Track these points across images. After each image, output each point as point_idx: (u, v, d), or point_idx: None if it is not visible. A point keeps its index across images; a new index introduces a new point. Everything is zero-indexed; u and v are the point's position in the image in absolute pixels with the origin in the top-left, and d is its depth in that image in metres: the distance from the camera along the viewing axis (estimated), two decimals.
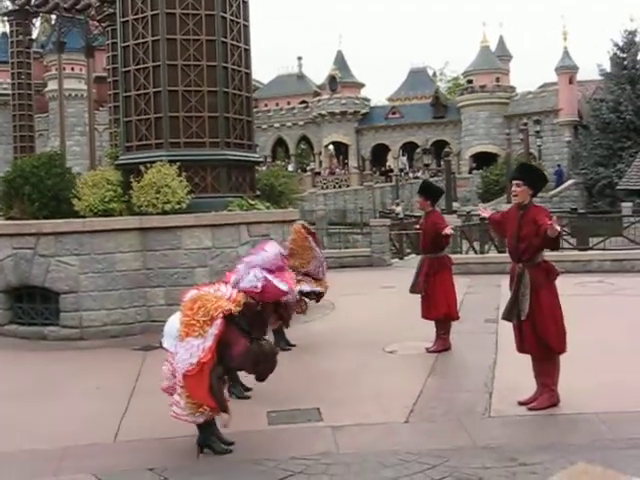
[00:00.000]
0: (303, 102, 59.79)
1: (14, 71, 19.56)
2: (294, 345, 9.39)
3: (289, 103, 60.22)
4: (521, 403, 6.39)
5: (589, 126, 43.08)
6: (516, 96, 50.66)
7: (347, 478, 4.97)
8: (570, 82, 47.60)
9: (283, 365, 8.11)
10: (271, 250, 6.35)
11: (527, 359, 6.47)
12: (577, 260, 16.52)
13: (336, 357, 8.75)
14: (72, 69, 49.91)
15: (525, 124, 41.02)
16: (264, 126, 58.66)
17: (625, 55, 42.59)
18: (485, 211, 7.42)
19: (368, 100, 58.68)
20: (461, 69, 57.94)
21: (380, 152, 57.32)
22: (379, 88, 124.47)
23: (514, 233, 6.34)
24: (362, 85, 60.18)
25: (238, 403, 6.70)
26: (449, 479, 4.86)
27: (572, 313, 10.09)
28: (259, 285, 5.91)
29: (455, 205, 32.19)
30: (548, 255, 6.66)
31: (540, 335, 6.19)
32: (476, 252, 21.48)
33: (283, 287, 6.09)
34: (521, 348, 6.42)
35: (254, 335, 5.52)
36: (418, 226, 10.60)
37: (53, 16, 20.72)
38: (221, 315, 5.26)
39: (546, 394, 6.28)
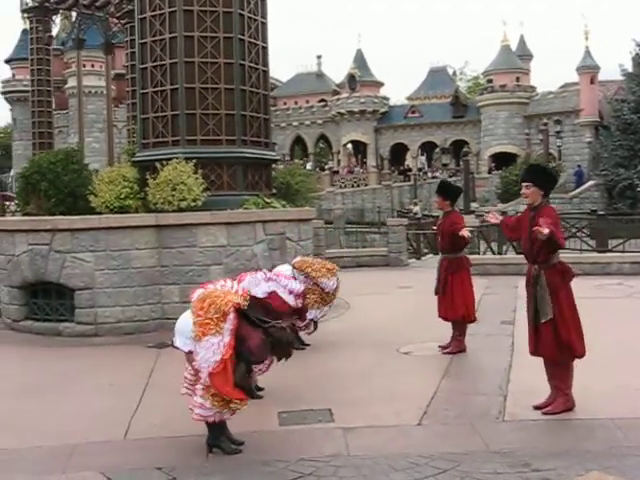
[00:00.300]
0: (322, 101, 59.75)
1: (34, 68, 19.68)
2: (308, 345, 9.33)
3: (308, 102, 60.23)
4: (536, 407, 6.28)
5: (610, 127, 42.66)
6: (536, 96, 50.31)
7: None
8: (591, 82, 47.21)
9: (296, 365, 8.06)
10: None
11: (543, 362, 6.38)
12: (596, 262, 16.34)
13: (350, 357, 8.68)
14: (92, 66, 50.26)
15: (545, 124, 40.77)
16: (283, 124, 58.71)
17: None
18: (494, 217, 7.09)
19: (387, 99, 58.56)
20: (481, 68, 57.72)
21: (399, 151, 57.18)
22: (398, 87, 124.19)
23: (527, 235, 6.25)
24: (381, 84, 60.01)
25: (250, 403, 6.59)
26: None
27: (591, 316, 9.95)
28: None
29: (473, 205, 32.02)
30: (566, 257, 6.56)
31: (563, 338, 6.08)
32: (494, 253, 21.33)
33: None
34: (536, 351, 6.33)
35: (267, 324, 5.48)
36: (435, 227, 10.52)
37: (74, 13, 20.78)
38: (232, 309, 5.24)
39: (561, 398, 6.18)
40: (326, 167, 57.64)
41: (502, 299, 12.09)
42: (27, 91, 23.09)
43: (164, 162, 11.02)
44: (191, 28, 11.22)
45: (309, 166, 53.69)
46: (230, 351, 5.20)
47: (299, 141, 60.57)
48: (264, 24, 12.08)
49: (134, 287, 10.65)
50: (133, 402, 6.89)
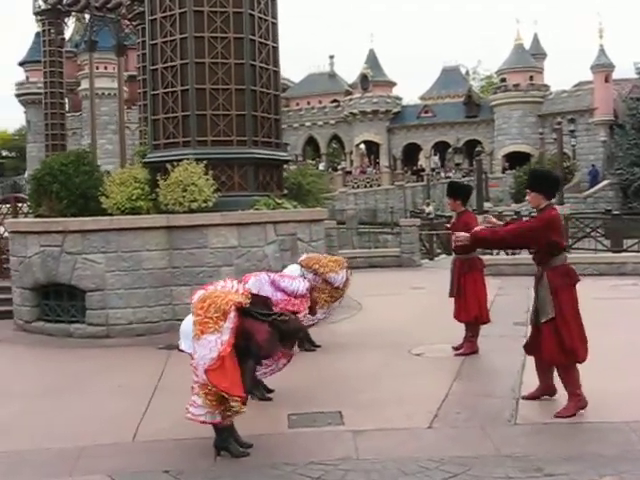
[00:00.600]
0: (334, 101, 59.68)
1: (47, 70, 19.75)
2: (319, 346, 9.29)
3: (320, 102, 60.16)
4: (525, 397, 6.37)
5: (625, 125, 42.34)
6: (550, 95, 50.00)
7: None
8: (606, 80, 46.85)
9: (306, 366, 8.05)
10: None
11: None
12: (611, 262, 16.20)
13: (361, 359, 8.63)
14: (105, 68, 50.39)
15: (559, 123, 40.37)
16: (295, 125, 58.68)
17: None
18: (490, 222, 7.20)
19: (400, 99, 58.39)
20: (494, 67, 57.43)
21: (412, 151, 57.00)
22: (411, 87, 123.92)
23: None
24: (394, 84, 59.83)
25: (259, 405, 6.62)
26: None
27: (604, 316, 9.90)
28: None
29: (487, 205, 31.81)
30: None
31: (565, 341, 6.02)
32: (507, 253, 21.17)
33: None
34: (533, 351, 6.35)
35: (271, 316, 5.47)
36: (449, 225, 10.44)
37: (86, 15, 20.85)
38: (233, 308, 5.23)
39: (572, 402, 6.09)
40: (339, 167, 57.53)
41: (515, 300, 11.98)
42: (40, 93, 23.21)
43: (175, 163, 11.00)
44: (201, 29, 11.21)
45: (322, 166, 53.60)
46: (228, 349, 5.18)
47: (311, 142, 60.51)
48: (274, 24, 12.04)
49: (145, 288, 10.64)
50: (142, 404, 6.87)
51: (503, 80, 51.67)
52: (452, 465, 5.07)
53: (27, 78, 59.57)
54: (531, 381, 6.94)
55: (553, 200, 6.46)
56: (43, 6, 19.05)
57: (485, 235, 6.39)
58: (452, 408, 6.45)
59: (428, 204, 39.51)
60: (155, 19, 11.55)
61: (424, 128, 55.37)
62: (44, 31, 19.30)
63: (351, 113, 56.26)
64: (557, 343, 6.06)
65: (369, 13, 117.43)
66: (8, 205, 15.13)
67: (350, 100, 56.85)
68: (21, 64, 60.11)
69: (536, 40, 57.33)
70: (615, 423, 5.89)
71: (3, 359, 9.61)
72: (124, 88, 23.59)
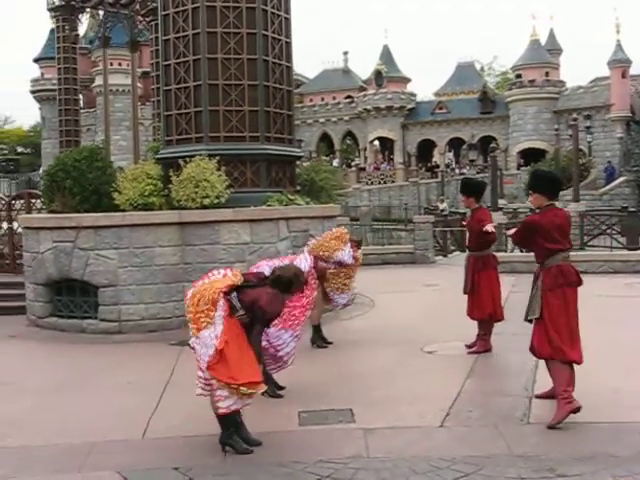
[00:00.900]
0: (349, 97, 59.61)
1: (61, 66, 19.76)
2: (331, 343, 9.25)
3: (334, 98, 60.09)
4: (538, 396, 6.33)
5: None
6: (566, 91, 49.70)
7: None
8: (623, 76, 46.50)
9: (318, 363, 8.03)
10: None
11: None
12: (626, 260, 16.05)
13: (373, 356, 8.58)
14: (119, 64, 50.56)
15: (575, 119, 40.03)
16: (309, 121, 58.68)
17: None
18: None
19: (414, 95, 58.25)
20: (510, 63, 57.13)
21: (426, 148, 56.85)
22: (426, 83, 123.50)
23: None
24: (408, 80, 59.70)
25: (270, 402, 6.59)
26: None
27: (618, 314, 9.80)
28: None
29: (501, 202, 31.64)
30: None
31: (552, 340, 5.98)
32: (521, 250, 21.04)
33: None
34: (531, 348, 6.31)
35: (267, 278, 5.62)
36: (465, 223, 10.39)
37: (101, 12, 20.86)
38: (221, 295, 5.29)
39: (559, 408, 5.89)
40: (353, 164, 57.46)
41: (528, 297, 11.87)
42: (55, 90, 23.24)
43: (187, 159, 10.98)
44: (214, 24, 11.16)
45: (335, 163, 53.56)
46: (223, 341, 5.20)
47: (325, 138, 60.46)
48: (287, 19, 11.98)
49: (157, 284, 10.63)
50: (153, 400, 6.85)
51: (518, 76, 51.43)
52: (464, 464, 5.02)
53: (42, 75, 59.85)
54: (545, 380, 6.85)
55: (556, 200, 6.42)
56: (57, 2, 19.06)
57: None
58: (464, 406, 6.39)
59: (442, 201, 39.38)
60: (168, 14, 11.52)
61: (438, 124, 55.21)
62: (58, 27, 19.29)
63: (365, 109, 56.15)
64: (544, 338, 6.05)
65: (384, 9, 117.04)
66: (22, 201, 15.18)
67: (364, 96, 56.76)
68: (36, 61, 60.39)
69: (552, 36, 57.00)
70: (629, 423, 5.82)
71: (16, 355, 9.63)
72: (138, 84, 23.62)
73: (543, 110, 49.27)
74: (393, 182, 52.39)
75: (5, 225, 14.86)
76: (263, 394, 6.61)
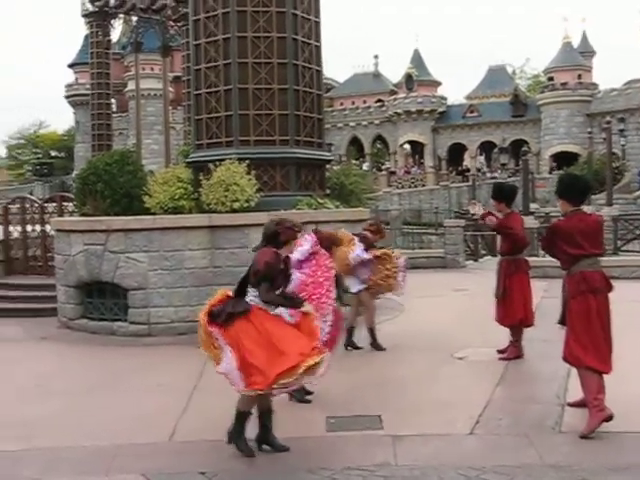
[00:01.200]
0: (379, 101, 59.53)
1: (94, 71, 20.02)
2: (361, 347, 9.19)
3: (365, 102, 60.08)
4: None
5: None
6: (599, 93, 49.12)
7: None
8: None
9: (346, 369, 7.96)
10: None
11: None
12: None
13: (402, 362, 8.50)
14: (151, 69, 51.05)
15: (608, 122, 39.57)
16: (339, 125, 58.71)
17: None
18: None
19: (445, 98, 57.99)
20: (542, 66, 56.62)
21: (457, 151, 56.53)
22: (457, 86, 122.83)
23: None
24: (439, 83, 59.44)
25: (297, 407, 6.56)
26: None
27: None
28: None
29: (533, 206, 31.35)
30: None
31: (571, 346, 5.91)
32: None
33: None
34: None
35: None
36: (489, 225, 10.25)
37: (133, 17, 21.09)
38: (205, 321, 5.55)
39: (591, 417, 5.77)
40: (383, 167, 57.33)
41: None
42: (88, 95, 23.53)
43: (217, 163, 11.00)
44: (244, 28, 11.19)
45: (366, 167, 53.49)
46: (240, 358, 5.24)
47: (355, 142, 60.43)
48: (317, 23, 11.98)
49: (187, 287, 10.66)
50: (181, 403, 6.86)
51: (551, 79, 50.95)
52: (493, 474, 4.93)
53: (76, 80, 60.69)
54: (577, 387, 6.73)
55: (584, 206, 6.32)
56: (91, 9, 19.31)
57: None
58: (494, 414, 6.29)
59: (474, 204, 39.09)
60: (198, 19, 11.58)
61: (469, 128, 54.89)
62: (92, 33, 19.57)
63: (396, 113, 56.02)
64: (570, 345, 6.00)
65: (414, 12, 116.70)
66: (54, 204, 15.34)
67: (395, 100, 56.64)
68: (70, 66, 61.26)
69: (585, 38, 56.44)
70: None
71: (47, 356, 9.72)
72: (170, 89, 23.83)
73: (576, 113, 48.73)
74: (424, 186, 52.17)
75: (38, 228, 15.04)
76: (291, 399, 6.61)
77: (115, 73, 23.79)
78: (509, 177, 44.42)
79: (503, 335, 8.62)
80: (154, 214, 11.28)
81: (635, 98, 46.66)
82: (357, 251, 8.75)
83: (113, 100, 22.72)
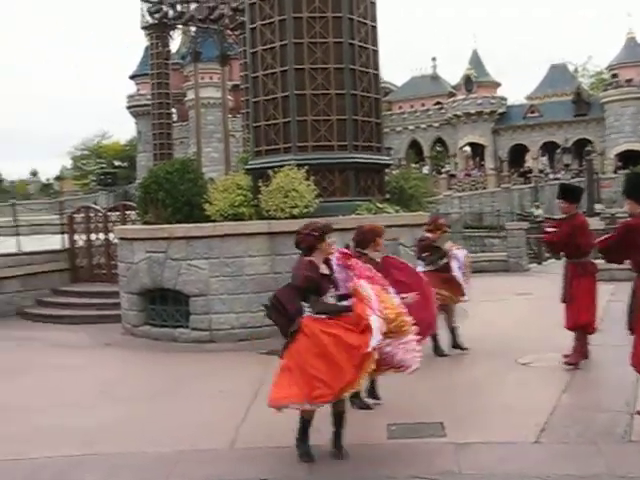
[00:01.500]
0: (438, 103, 59.09)
1: (154, 82, 20.37)
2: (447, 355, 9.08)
3: (423, 105, 59.69)
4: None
5: None
6: None
7: None
8: None
9: (408, 375, 7.86)
10: None
11: None
12: None
13: (465, 367, 8.38)
14: (210, 78, 51.75)
15: None
16: (398, 129, 58.48)
17: None
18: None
19: (505, 99, 57.21)
20: (605, 63, 55.31)
21: (518, 152, 55.66)
22: (517, 87, 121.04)
23: None
24: (498, 84, 58.69)
25: (358, 414, 6.50)
26: None
27: None
28: None
29: (598, 207, 30.60)
30: None
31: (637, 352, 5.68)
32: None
33: None
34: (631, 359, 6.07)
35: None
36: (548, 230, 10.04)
37: (192, 28, 21.40)
38: None
39: None
40: (443, 170, 56.84)
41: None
42: (149, 105, 23.94)
43: (276, 169, 11.05)
44: (301, 35, 11.22)
45: (426, 170, 53.11)
46: (302, 373, 5.22)
47: (414, 145, 60.07)
48: (374, 27, 11.93)
49: (247, 294, 10.72)
50: (242, 410, 6.87)
51: (614, 76, 49.76)
52: None
53: (137, 91, 61.96)
54: None
55: None
56: (150, 21, 19.66)
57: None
58: (561, 421, 6.12)
59: (537, 207, 38.40)
60: (255, 27, 11.66)
61: (531, 128, 54.00)
62: (152, 45, 19.93)
63: (455, 115, 55.51)
64: (635, 351, 5.89)
65: (472, 12, 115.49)
66: (117, 213, 15.66)
67: (454, 102, 56.14)
68: (132, 77, 62.62)
69: None
70: None
71: (111, 363, 9.90)
72: (229, 97, 24.09)
73: None
74: (484, 188, 51.53)
75: (102, 236, 15.37)
76: (352, 406, 6.55)
77: (175, 83, 24.15)
78: (573, 178, 43.51)
79: (569, 340, 8.40)
80: (214, 221, 11.38)
81: None
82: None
83: (173, 110, 23.15)
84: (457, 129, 56.11)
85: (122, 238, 12.14)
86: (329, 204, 11.12)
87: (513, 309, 12.49)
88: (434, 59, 64.53)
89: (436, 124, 58.00)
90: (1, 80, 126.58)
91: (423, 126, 58.46)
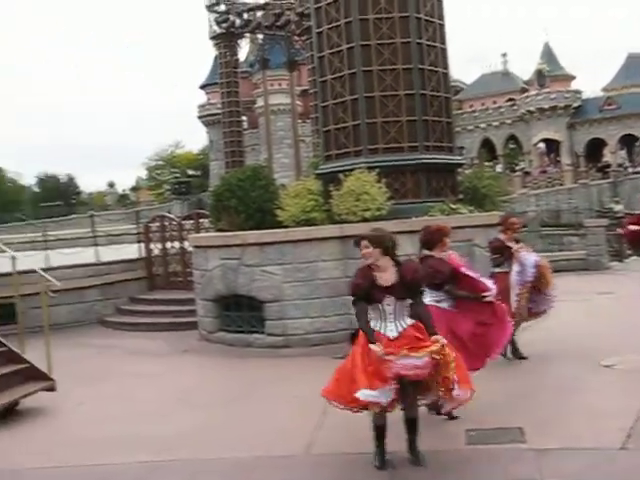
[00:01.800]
0: (510, 100, 58.04)
1: (223, 91, 20.64)
2: (526, 357, 8.86)
3: (495, 102, 58.72)
4: None
5: None
6: None
7: None
8: None
9: (487, 378, 7.67)
10: None
11: None
12: None
13: (545, 370, 8.14)
14: (279, 84, 52.14)
15: None
16: (469, 127, 57.70)
17: None
18: None
19: (580, 92, 55.71)
20: None
21: (595, 147, 54.15)
22: (592, 79, 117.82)
23: None
24: (572, 77, 57.20)
25: (436, 420, 6.38)
26: None
27: None
28: None
29: None
30: None
31: None
32: None
33: None
34: None
35: None
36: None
37: (259, 35, 21.59)
38: None
39: None
40: (517, 168, 55.78)
41: None
42: (219, 114, 24.26)
43: (347, 173, 11.00)
44: (367, 37, 11.16)
45: (499, 168, 52.21)
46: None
47: (487, 143, 59.13)
48: (442, 26, 11.76)
49: (321, 298, 10.71)
50: (317, 415, 6.83)
51: None
52: None
53: (208, 100, 62.98)
54: None
55: None
56: (218, 30, 19.93)
57: None
58: None
59: (617, 202, 37.28)
60: (322, 31, 11.66)
61: (608, 122, 52.44)
62: (220, 54, 20.20)
63: (528, 111, 54.41)
64: None
65: (541, 5, 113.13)
66: (191, 221, 15.90)
67: (526, 98, 55.04)
68: (202, 87, 63.68)
69: None
70: None
71: (188, 369, 10.03)
72: (298, 102, 24.20)
73: None
74: (561, 185, 50.25)
75: (177, 244, 15.64)
76: (429, 412, 6.43)
77: (244, 91, 24.40)
78: None
79: None
80: (287, 227, 11.42)
81: None
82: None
83: (244, 117, 23.43)
84: (530, 125, 54.96)
85: (196, 246, 12.32)
86: (401, 206, 11.02)
87: (595, 309, 12.09)
88: (504, 55, 63.49)
89: (508, 121, 56.96)
90: (74, 97, 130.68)
91: (495, 124, 57.50)
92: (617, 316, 10.97)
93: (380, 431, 5.40)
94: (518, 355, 8.86)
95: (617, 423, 5.95)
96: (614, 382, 7.49)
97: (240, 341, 11.02)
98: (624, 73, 56.12)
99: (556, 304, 11.89)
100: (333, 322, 10.70)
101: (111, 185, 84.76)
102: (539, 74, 54.62)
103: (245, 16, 18.78)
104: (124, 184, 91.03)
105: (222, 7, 19.93)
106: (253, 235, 11.16)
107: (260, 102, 53.84)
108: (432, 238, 6.77)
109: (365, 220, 10.70)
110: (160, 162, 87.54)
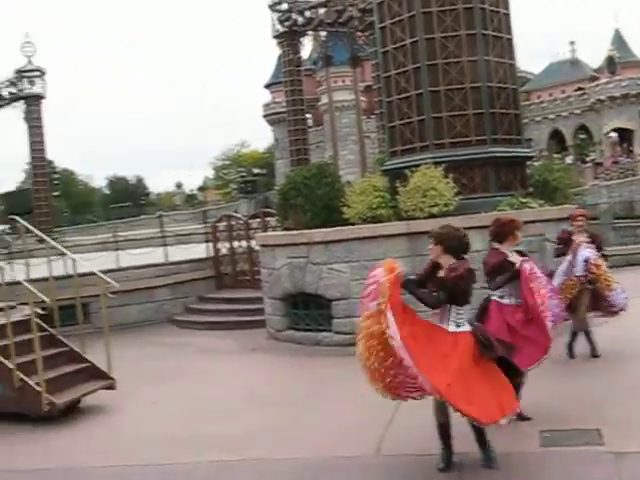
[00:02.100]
0: (579, 89, 56.56)
1: (287, 89, 20.70)
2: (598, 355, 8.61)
3: (564, 92, 57.32)
4: None
5: None
6: None
7: None
8: None
9: (562, 379, 7.48)
10: None
11: None
12: None
13: (622, 370, 7.87)
14: (342, 81, 52.01)
15: None
16: (537, 119, 56.47)
17: None
18: None
19: None
20: None
21: None
22: None
23: None
24: None
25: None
26: None
27: None
28: None
29: None
30: None
31: None
32: None
33: None
34: None
35: None
36: None
37: (322, 32, 21.59)
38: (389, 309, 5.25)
39: None
40: (588, 159, 54.34)
41: None
42: (284, 112, 24.34)
43: (413, 169, 10.88)
44: (431, 30, 10.99)
45: (569, 160, 50.96)
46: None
47: (556, 134, 57.77)
48: (507, 15, 11.50)
49: None
50: (386, 415, 6.75)
51: None
52: None
53: (273, 99, 63.40)
54: None
55: None
56: (281, 29, 19.99)
57: None
58: None
59: None
60: (385, 26, 11.54)
61: None
62: (283, 53, 20.26)
63: (598, 100, 52.90)
64: None
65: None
66: (258, 220, 16.00)
67: (596, 86, 53.50)
68: (266, 87, 64.13)
69: None
70: None
71: (257, 368, 10.10)
72: (362, 98, 24.11)
73: None
74: (634, 175, 48.70)
75: (244, 243, 15.76)
76: None
77: (308, 89, 24.43)
78: None
79: None
80: (353, 224, 11.36)
81: None
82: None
83: (308, 115, 23.50)
84: (601, 114, 53.44)
85: (263, 245, 12.38)
86: (470, 201, 10.83)
87: None
88: (572, 43, 61.92)
89: (578, 111, 55.53)
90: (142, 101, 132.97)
91: (564, 114, 56.13)
92: None
93: (443, 429, 5.29)
94: (593, 353, 8.60)
95: None
96: None
97: (308, 339, 11.02)
98: None
99: (633, 300, 11.54)
100: None
101: (179, 185, 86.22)
102: (610, 61, 53.05)
103: (307, 14, 18.82)
104: (192, 184, 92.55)
105: (284, 6, 20.03)
106: (319, 233, 11.13)
107: (324, 99, 53.85)
108: (503, 230, 6.56)
109: (432, 216, 10.55)
110: (227, 162, 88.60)
